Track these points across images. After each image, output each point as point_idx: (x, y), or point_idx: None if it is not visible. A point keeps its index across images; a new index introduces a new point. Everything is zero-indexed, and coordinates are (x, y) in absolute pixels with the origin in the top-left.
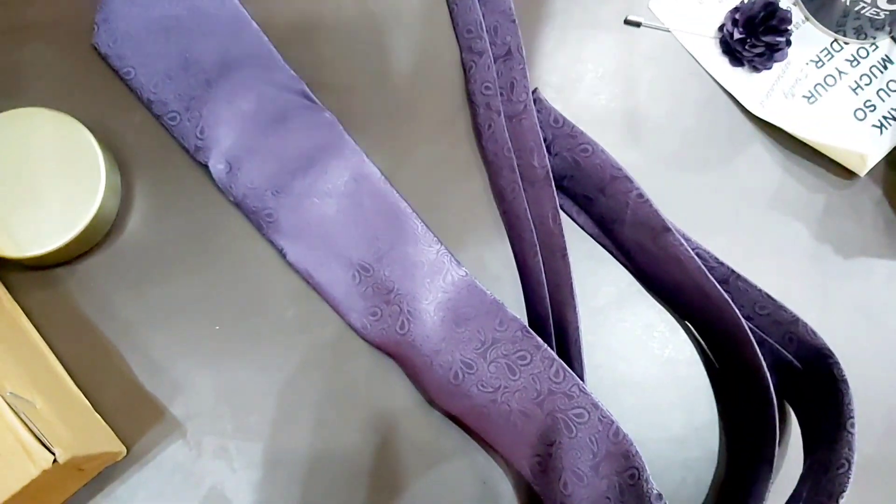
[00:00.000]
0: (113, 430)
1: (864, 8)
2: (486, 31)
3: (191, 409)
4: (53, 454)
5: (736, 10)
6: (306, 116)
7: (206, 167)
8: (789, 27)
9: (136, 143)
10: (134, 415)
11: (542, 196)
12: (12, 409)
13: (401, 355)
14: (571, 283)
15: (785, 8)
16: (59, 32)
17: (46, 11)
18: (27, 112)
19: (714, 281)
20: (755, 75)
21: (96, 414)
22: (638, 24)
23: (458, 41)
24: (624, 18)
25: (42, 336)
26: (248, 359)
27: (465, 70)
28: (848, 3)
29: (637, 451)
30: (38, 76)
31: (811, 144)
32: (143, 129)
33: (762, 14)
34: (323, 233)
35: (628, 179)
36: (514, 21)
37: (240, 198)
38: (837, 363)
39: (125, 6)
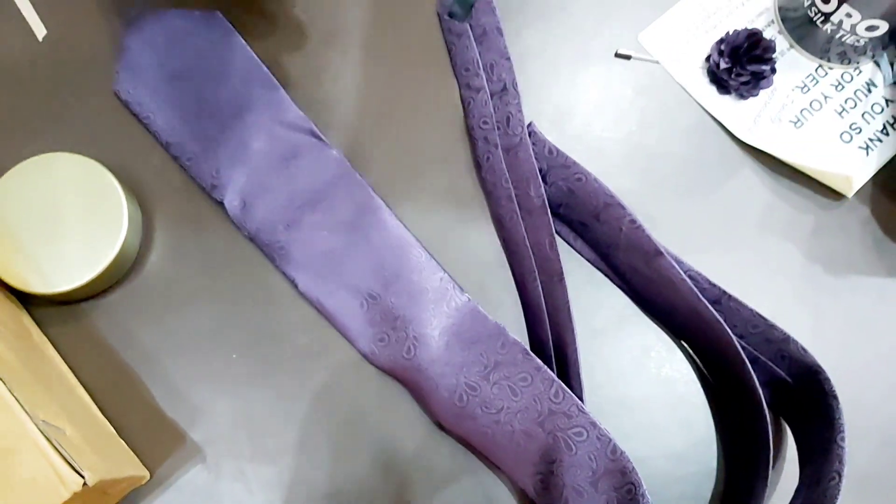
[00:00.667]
0: (136, 454)
1: (844, 35)
2: (483, 68)
3: (210, 433)
4: (83, 477)
5: (721, 41)
6: (315, 154)
7: (221, 204)
8: (773, 55)
9: (156, 183)
10: (156, 440)
11: (539, 224)
12: (45, 435)
13: (408, 379)
14: (569, 307)
15: (769, 37)
16: (83, 80)
17: (69, 60)
18: (53, 157)
19: (706, 302)
20: (742, 102)
21: (121, 440)
22: (628, 57)
23: (456, 79)
24: (614, 52)
25: (69, 366)
26: (263, 385)
27: (464, 106)
28: (829, 32)
29: (633, 468)
30: (63, 122)
31: (799, 168)
32: (162, 169)
33: (746, 44)
34: (332, 264)
35: (621, 206)
36: (508, 59)
37: (254, 232)
38: (828, 379)
39: (143, 56)
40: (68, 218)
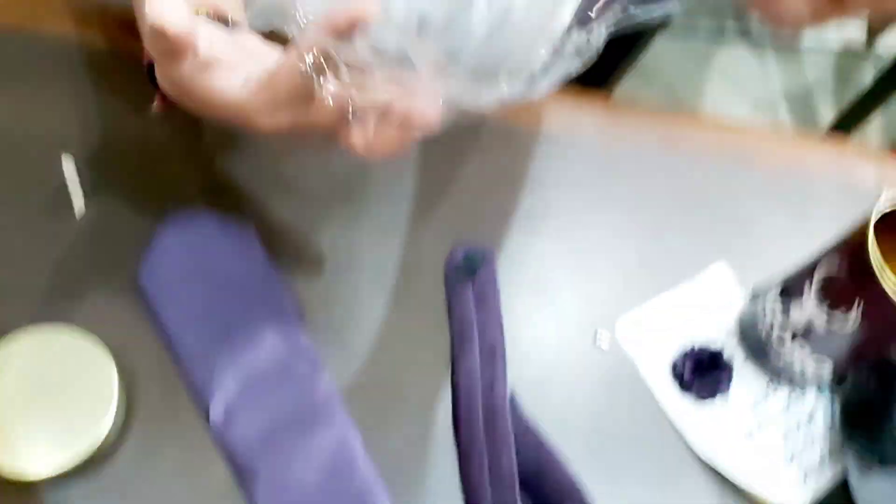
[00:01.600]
0: None
1: (794, 363)
2: (476, 327)
3: None
4: None
5: (686, 353)
6: (308, 382)
7: (205, 411)
8: (731, 371)
9: (151, 374)
10: None
11: (506, 496)
12: None
13: None
14: None
15: (728, 356)
16: (107, 260)
17: (100, 239)
18: (58, 329)
19: None
20: (701, 406)
21: None
22: (604, 347)
23: (451, 331)
24: (594, 334)
25: None
26: None
27: (453, 359)
28: (781, 359)
29: None
30: (78, 295)
31: (745, 489)
32: (160, 362)
33: (708, 360)
34: (298, 497)
35: (582, 499)
36: (501, 325)
37: (230, 448)
38: None
39: (170, 251)
40: (56, 399)
